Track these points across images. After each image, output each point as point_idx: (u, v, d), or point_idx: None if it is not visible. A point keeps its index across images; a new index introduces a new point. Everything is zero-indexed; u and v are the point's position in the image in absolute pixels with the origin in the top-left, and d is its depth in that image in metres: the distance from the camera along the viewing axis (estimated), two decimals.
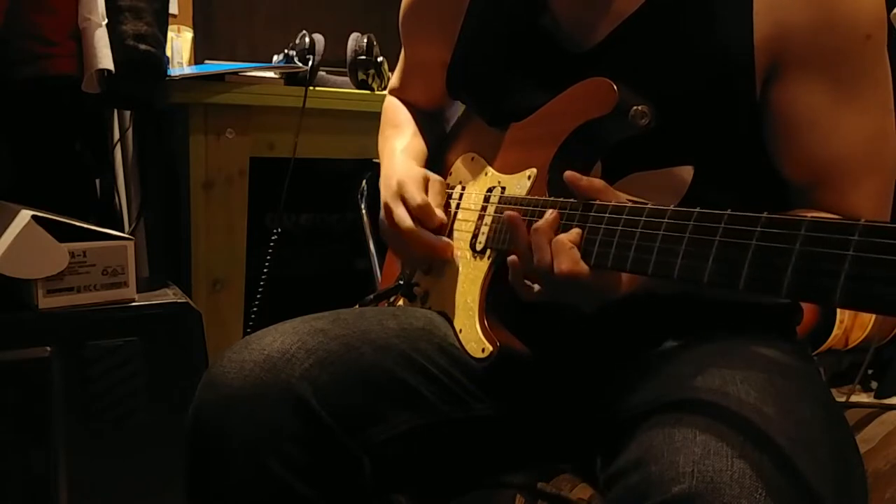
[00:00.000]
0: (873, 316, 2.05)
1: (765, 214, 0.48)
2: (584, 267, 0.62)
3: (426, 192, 0.85)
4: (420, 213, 0.83)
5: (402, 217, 0.83)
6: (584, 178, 0.66)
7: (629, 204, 0.60)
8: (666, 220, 0.56)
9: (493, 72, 0.85)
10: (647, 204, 0.59)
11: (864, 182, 0.71)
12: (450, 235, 0.87)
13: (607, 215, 0.62)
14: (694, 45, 0.71)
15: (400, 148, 0.96)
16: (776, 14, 0.68)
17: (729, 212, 0.51)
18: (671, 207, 0.56)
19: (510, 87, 0.83)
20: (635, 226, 0.58)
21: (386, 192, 0.87)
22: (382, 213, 0.88)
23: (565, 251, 0.63)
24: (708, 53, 0.70)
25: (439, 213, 0.84)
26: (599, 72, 0.71)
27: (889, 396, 2.08)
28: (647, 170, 0.74)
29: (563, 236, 0.64)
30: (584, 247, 0.63)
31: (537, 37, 0.80)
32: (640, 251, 0.57)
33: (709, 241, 0.51)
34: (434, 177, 0.88)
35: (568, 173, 0.66)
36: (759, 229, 0.48)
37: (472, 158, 0.89)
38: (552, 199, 0.69)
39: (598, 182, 0.66)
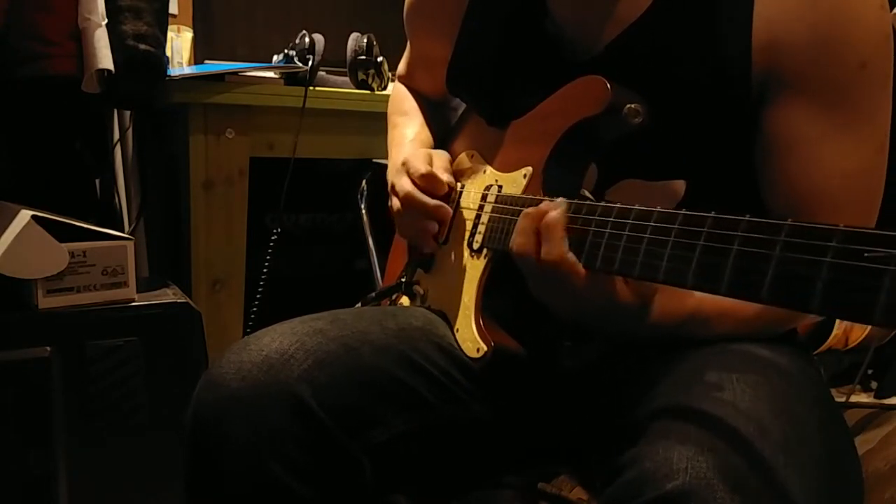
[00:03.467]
0: None
1: (747, 217, 0.48)
2: (569, 259, 0.61)
3: (430, 164, 0.85)
4: (424, 182, 0.83)
5: (403, 184, 0.84)
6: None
7: (636, 207, 0.58)
8: (652, 224, 0.55)
9: (492, 73, 0.85)
10: (633, 206, 0.58)
11: (846, 215, 0.67)
12: (449, 234, 0.87)
13: (612, 219, 0.60)
14: (694, 54, 0.70)
15: (409, 136, 0.97)
16: (773, 27, 0.66)
17: (713, 214, 0.50)
18: (658, 209, 0.55)
19: (509, 89, 0.83)
20: (639, 230, 0.56)
21: (391, 173, 0.88)
22: (389, 197, 0.89)
23: (556, 238, 0.61)
24: (707, 61, 0.69)
25: (445, 176, 0.84)
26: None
27: (889, 396, 2.08)
28: (641, 178, 0.74)
29: (554, 219, 0.62)
30: (589, 249, 0.61)
31: (538, 42, 0.80)
32: (626, 252, 0.57)
33: (692, 244, 0.51)
34: (437, 151, 0.89)
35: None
36: (740, 234, 0.48)
37: (472, 156, 0.89)
38: (547, 197, 0.69)
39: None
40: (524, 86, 0.81)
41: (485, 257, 0.79)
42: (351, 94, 1.58)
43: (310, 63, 1.49)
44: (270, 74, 1.50)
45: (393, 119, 1.04)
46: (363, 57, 1.57)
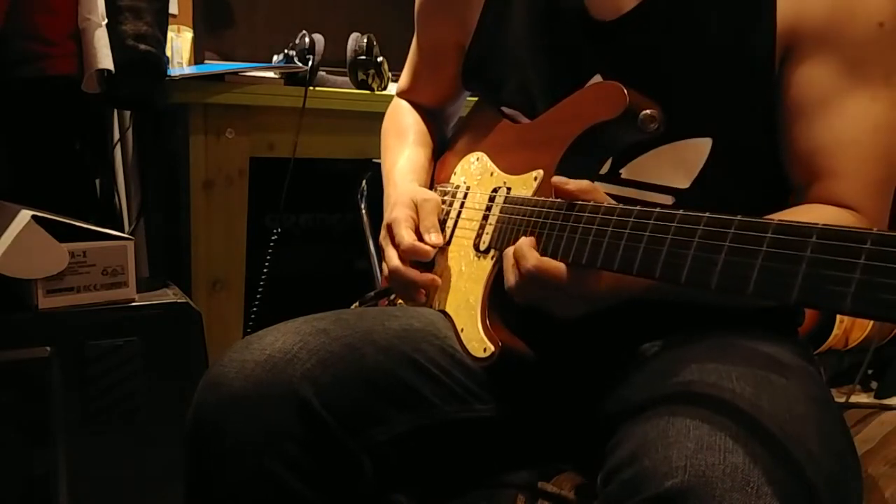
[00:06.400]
0: None
1: (776, 220, 0.48)
2: (534, 256, 0.66)
3: (417, 216, 0.85)
4: (408, 255, 0.83)
5: (390, 257, 0.85)
6: (571, 181, 0.67)
7: (644, 209, 0.59)
8: (675, 225, 0.55)
9: (517, 52, 0.85)
10: (655, 209, 0.58)
11: (865, 172, 0.70)
12: (453, 235, 0.87)
13: (615, 218, 0.61)
14: (717, 23, 0.72)
15: (399, 163, 0.96)
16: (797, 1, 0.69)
17: (739, 217, 0.51)
18: (681, 212, 0.55)
19: (534, 66, 0.83)
20: (643, 229, 0.58)
21: (382, 230, 0.89)
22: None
23: (526, 254, 0.67)
24: (732, 27, 0.71)
25: (432, 238, 0.83)
26: (624, 45, 0.73)
27: (889, 396, 2.08)
28: (665, 143, 0.74)
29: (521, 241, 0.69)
30: (577, 246, 0.64)
31: (562, 11, 0.80)
32: (648, 253, 0.57)
33: (718, 246, 0.51)
34: (424, 198, 0.87)
35: (554, 178, 0.68)
36: (769, 235, 0.48)
37: (478, 158, 0.89)
38: (557, 199, 0.69)
39: (584, 183, 0.67)
40: (549, 60, 0.81)
41: (492, 258, 0.78)
42: (351, 94, 1.58)
43: (310, 63, 1.49)
44: (270, 74, 1.50)
45: (386, 140, 1.03)
46: (363, 57, 1.57)
